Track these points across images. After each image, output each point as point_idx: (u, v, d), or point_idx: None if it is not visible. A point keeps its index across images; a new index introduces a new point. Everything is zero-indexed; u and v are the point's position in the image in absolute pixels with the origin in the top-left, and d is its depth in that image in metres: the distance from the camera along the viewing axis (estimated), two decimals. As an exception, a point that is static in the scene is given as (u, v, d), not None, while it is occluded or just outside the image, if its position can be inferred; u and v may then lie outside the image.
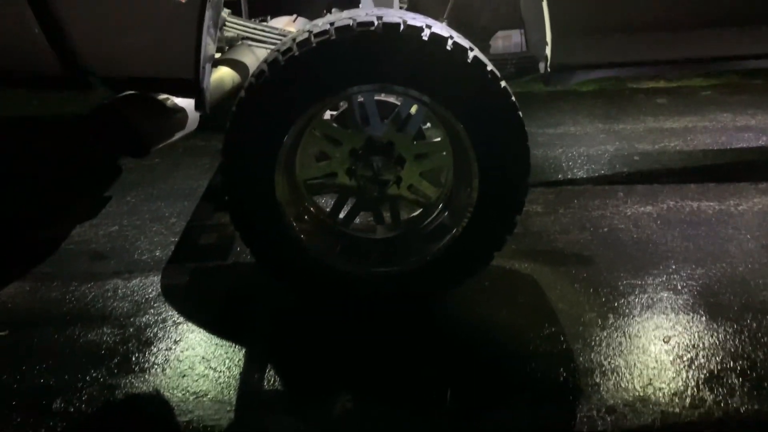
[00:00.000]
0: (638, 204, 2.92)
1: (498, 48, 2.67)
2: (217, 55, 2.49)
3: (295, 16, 2.72)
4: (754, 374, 1.87)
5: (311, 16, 2.83)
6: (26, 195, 3.30)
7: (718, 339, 2.02)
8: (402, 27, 1.88)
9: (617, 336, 2.06)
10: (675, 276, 2.36)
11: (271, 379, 1.98)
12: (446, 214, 2.25)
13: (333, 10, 2.89)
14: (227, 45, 2.56)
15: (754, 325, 2.08)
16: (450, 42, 1.90)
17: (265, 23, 2.54)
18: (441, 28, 1.94)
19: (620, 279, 2.35)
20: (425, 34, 1.88)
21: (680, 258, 2.47)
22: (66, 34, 2.04)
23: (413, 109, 2.12)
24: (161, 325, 2.22)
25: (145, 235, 2.84)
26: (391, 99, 2.17)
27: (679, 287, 2.29)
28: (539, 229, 2.74)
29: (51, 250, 2.74)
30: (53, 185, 3.40)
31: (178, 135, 2.25)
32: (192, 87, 2.08)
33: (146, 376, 1.97)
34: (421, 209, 2.33)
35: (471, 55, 1.91)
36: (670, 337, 2.03)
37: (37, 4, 1.97)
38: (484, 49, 2.68)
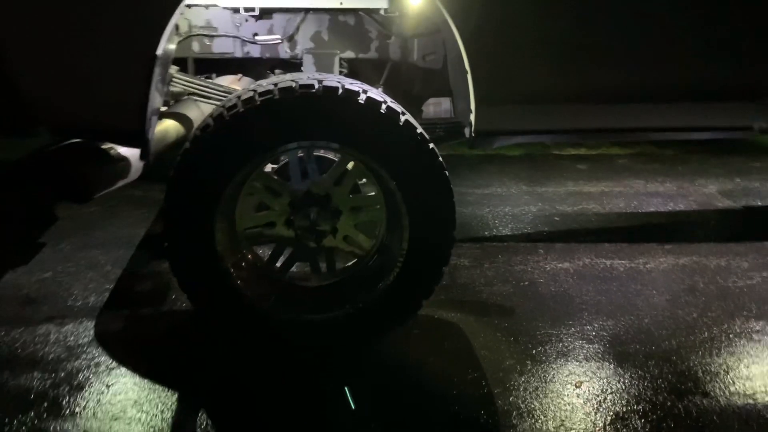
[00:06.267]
0: (557, 260, 3.13)
1: (429, 113, 2.89)
2: (163, 108, 2.59)
3: (240, 75, 2.87)
4: (655, 416, 2.04)
5: (255, 77, 2.99)
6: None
7: (624, 384, 2.20)
8: (340, 90, 2.04)
9: (534, 381, 2.21)
10: (588, 327, 2.55)
11: (202, 423, 2.01)
12: (379, 264, 2.38)
13: (276, 71, 3.07)
14: (173, 99, 2.67)
15: (656, 371, 2.27)
16: (384, 106, 2.07)
17: (210, 80, 2.67)
18: (376, 94, 2.12)
19: (538, 329, 2.52)
20: (361, 98, 2.05)
21: (593, 310, 2.67)
22: (20, 84, 2.13)
23: (350, 165, 2.27)
24: (93, 370, 2.23)
25: (79, 282, 2.85)
26: (330, 155, 2.32)
27: (591, 337, 2.48)
28: (466, 281, 2.91)
29: (-20, 295, 2.71)
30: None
31: (121, 183, 2.32)
32: (138, 137, 2.19)
33: (76, 420, 1.98)
34: (356, 259, 2.46)
35: (402, 118, 2.09)
36: (581, 383, 2.20)
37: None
38: (416, 114, 2.89)
